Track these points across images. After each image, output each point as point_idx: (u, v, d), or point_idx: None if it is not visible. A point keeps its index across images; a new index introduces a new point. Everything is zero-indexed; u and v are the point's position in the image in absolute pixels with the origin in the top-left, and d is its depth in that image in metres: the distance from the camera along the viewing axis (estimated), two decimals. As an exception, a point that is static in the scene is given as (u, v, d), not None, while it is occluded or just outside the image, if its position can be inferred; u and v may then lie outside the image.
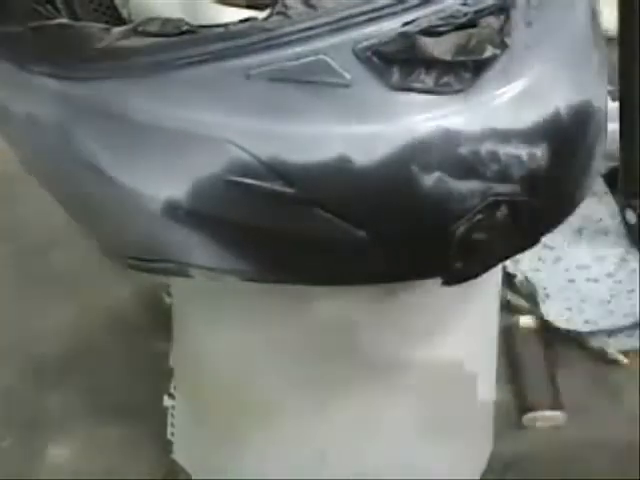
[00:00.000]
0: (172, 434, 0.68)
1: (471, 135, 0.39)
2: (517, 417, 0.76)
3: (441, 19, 0.38)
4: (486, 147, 0.39)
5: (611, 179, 0.89)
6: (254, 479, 0.61)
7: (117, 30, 0.40)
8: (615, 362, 0.78)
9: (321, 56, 0.38)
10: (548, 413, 0.75)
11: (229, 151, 0.39)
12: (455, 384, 0.59)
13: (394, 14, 0.38)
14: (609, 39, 0.48)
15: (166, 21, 0.39)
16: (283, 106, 0.38)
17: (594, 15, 0.46)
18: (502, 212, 0.41)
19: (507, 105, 0.40)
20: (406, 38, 0.38)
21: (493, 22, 0.40)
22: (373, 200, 0.39)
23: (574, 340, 0.78)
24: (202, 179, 0.39)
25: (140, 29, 0.40)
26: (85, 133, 0.41)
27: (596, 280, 0.83)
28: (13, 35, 0.42)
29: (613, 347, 0.79)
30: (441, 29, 0.38)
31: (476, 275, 0.45)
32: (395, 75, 0.38)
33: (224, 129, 0.38)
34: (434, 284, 0.44)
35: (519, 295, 0.84)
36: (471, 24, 0.39)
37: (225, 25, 0.39)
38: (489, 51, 0.39)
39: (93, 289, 0.91)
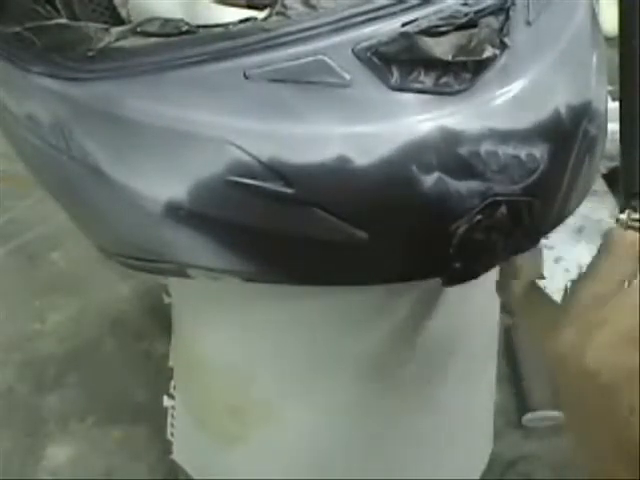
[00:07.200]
0: (172, 434, 0.68)
1: (471, 135, 0.39)
2: (517, 417, 0.76)
3: (441, 19, 0.38)
4: (486, 147, 0.39)
5: (611, 179, 0.88)
6: (254, 479, 0.61)
7: (116, 30, 0.40)
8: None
9: (320, 56, 0.37)
10: (548, 413, 0.75)
11: (229, 151, 0.39)
12: (455, 384, 0.59)
13: (394, 14, 0.38)
14: (609, 39, 0.48)
15: (166, 21, 0.39)
16: (282, 106, 0.38)
17: (594, 15, 0.46)
18: (502, 212, 0.41)
19: (507, 105, 0.40)
20: (406, 38, 0.38)
21: (493, 22, 0.40)
22: (373, 200, 0.39)
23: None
24: (203, 180, 0.39)
25: (139, 29, 0.40)
26: (85, 134, 0.41)
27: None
28: (12, 35, 0.42)
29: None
30: (441, 29, 0.38)
31: (476, 275, 0.45)
32: (395, 75, 0.38)
33: (223, 129, 0.38)
34: (434, 284, 0.44)
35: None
36: (471, 24, 0.39)
37: (225, 25, 0.39)
38: (489, 51, 0.39)
39: (93, 289, 0.91)
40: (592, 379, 0.39)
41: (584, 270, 0.43)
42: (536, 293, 0.46)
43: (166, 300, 0.63)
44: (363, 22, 0.38)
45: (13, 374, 0.83)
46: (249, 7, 0.45)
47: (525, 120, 0.40)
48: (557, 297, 0.52)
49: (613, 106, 0.49)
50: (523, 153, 0.40)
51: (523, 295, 0.46)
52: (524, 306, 0.46)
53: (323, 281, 0.44)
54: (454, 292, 0.48)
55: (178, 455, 0.68)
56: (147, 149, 0.40)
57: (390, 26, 0.38)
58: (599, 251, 0.42)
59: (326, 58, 0.38)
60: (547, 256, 0.85)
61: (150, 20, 0.40)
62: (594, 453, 0.41)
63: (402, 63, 0.38)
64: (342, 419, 0.57)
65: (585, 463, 0.42)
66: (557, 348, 0.40)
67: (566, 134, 0.42)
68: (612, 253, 0.42)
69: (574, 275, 0.45)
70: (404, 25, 0.38)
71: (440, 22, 0.38)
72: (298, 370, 0.56)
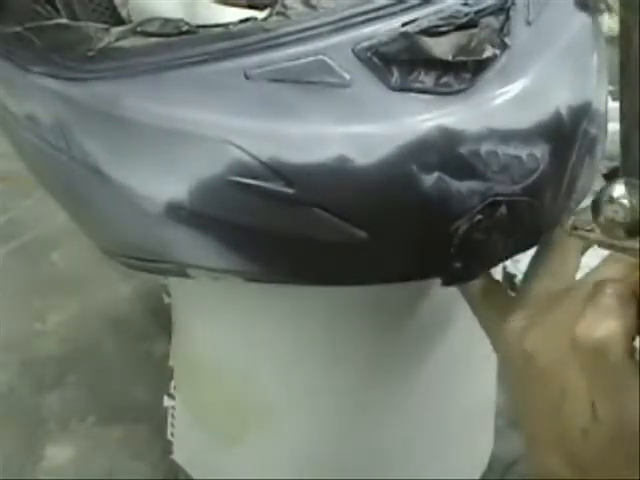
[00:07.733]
0: (172, 434, 0.68)
1: (471, 135, 0.39)
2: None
3: (441, 19, 0.38)
4: (486, 147, 0.39)
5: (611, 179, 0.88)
6: (254, 479, 0.61)
7: (116, 30, 0.40)
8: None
9: (320, 56, 0.38)
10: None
11: (229, 151, 0.39)
12: (455, 384, 0.59)
13: (394, 14, 0.38)
14: (609, 39, 0.48)
15: (166, 21, 0.39)
16: (283, 106, 0.38)
17: (594, 15, 0.46)
18: (502, 212, 0.41)
19: (507, 105, 0.40)
20: (406, 38, 0.38)
21: (493, 22, 0.40)
22: (373, 200, 0.39)
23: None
24: (204, 180, 0.39)
25: (139, 29, 0.40)
26: (85, 134, 0.41)
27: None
28: (12, 35, 0.42)
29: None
30: (441, 29, 0.38)
31: (476, 275, 0.45)
32: (395, 75, 0.38)
33: (223, 129, 0.38)
34: (434, 284, 0.44)
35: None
36: (471, 24, 0.39)
37: (225, 25, 0.39)
38: (489, 51, 0.39)
39: (93, 289, 0.91)
40: (530, 362, 0.41)
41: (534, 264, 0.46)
42: (494, 286, 0.47)
43: (166, 300, 0.63)
44: (363, 22, 0.38)
45: (13, 374, 0.83)
46: (249, 7, 0.45)
47: (525, 120, 0.40)
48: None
49: (613, 106, 0.50)
50: (523, 153, 0.40)
51: (481, 289, 0.47)
52: (481, 299, 0.47)
53: (324, 281, 0.44)
54: (453, 292, 0.48)
55: (178, 455, 0.68)
56: (147, 149, 0.40)
57: (390, 26, 0.38)
58: (553, 248, 0.46)
59: (326, 58, 0.38)
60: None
61: (150, 20, 0.40)
62: (530, 436, 0.43)
63: (402, 63, 0.38)
64: (342, 419, 0.57)
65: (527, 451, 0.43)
66: (505, 333, 0.43)
67: (566, 134, 0.42)
68: (561, 250, 0.45)
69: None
70: (404, 25, 0.38)
71: (440, 22, 0.38)
72: (298, 370, 0.56)
